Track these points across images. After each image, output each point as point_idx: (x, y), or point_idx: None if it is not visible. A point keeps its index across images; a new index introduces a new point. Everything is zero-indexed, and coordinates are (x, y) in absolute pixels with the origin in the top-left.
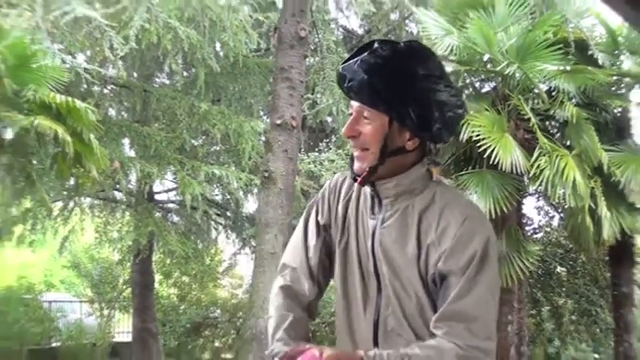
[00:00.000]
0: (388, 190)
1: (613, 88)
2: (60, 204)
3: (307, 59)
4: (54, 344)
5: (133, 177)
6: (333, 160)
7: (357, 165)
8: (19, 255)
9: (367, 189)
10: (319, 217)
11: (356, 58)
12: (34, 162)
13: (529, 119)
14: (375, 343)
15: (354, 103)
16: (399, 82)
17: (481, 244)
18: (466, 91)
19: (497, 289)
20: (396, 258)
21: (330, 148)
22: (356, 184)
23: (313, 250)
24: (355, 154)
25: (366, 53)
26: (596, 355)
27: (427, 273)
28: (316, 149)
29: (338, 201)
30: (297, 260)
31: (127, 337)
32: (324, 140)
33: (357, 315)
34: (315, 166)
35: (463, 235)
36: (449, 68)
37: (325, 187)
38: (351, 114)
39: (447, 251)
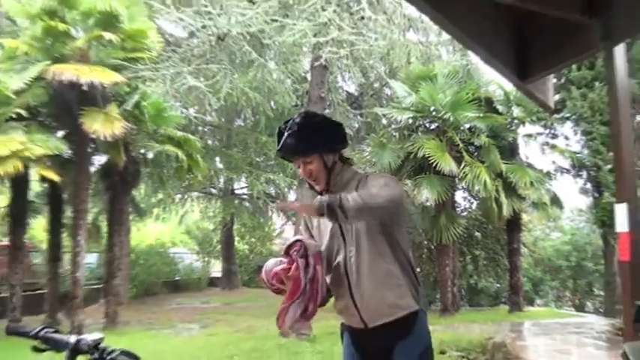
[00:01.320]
0: (337, 188)
1: (508, 126)
2: (179, 196)
3: (325, 110)
4: (176, 278)
5: (222, 180)
6: None
7: (317, 187)
8: (155, 226)
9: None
10: (306, 234)
11: (286, 136)
12: (164, 171)
13: (458, 145)
14: (347, 275)
15: (297, 159)
16: (317, 133)
17: (387, 176)
18: (420, 128)
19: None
20: None
21: None
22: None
23: None
24: (311, 182)
25: (289, 132)
26: (498, 285)
27: None
28: None
29: (312, 219)
30: None
31: (218, 274)
32: None
33: (334, 263)
34: None
35: (375, 178)
36: (410, 114)
37: (306, 216)
38: (298, 166)
39: None
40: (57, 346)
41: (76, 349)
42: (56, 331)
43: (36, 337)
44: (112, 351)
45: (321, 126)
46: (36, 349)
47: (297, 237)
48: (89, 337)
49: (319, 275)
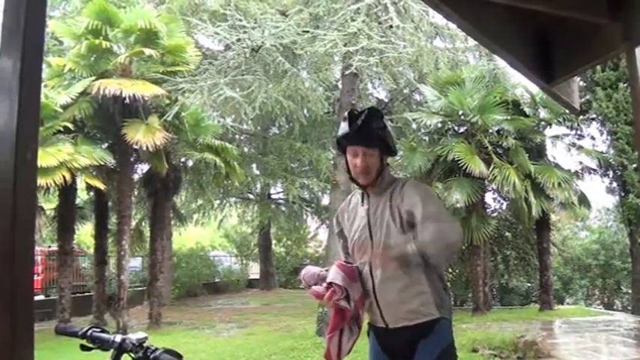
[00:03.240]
0: (374, 190)
1: (535, 128)
2: (218, 201)
3: None
4: (216, 280)
5: (259, 185)
6: None
7: (363, 179)
8: (196, 231)
9: (358, 192)
10: (337, 229)
11: (359, 123)
12: (204, 178)
13: (487, 147)
14: (371, 276)
15: (358, 148)
16: (384, 131)
17: (423, 189)
18: (449, 132)
19: (443, 206)
20: (385, 221)
21: None
22: (352, 202)
23: (342, 247)
24: (361, 175)
25: (365, 120)
26: (529, 284)
27: (402, 220)
28: None
29: (344, 214)
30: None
31: (256, 276)
32: None
33: (360, 261)
34: None
35: (413, 191)
36: (439, 119)
37: (338, 212)
38: (356, 154)
39: (407, 202)
40: (103, 344)
41: (121, 348)
42: (103, 331)
43: (84, 336)
44: (156, 349)
45: (388, 127)
46: (84, 348)
47: (340, 282)
48: (134, 336)
49: (360, 315)
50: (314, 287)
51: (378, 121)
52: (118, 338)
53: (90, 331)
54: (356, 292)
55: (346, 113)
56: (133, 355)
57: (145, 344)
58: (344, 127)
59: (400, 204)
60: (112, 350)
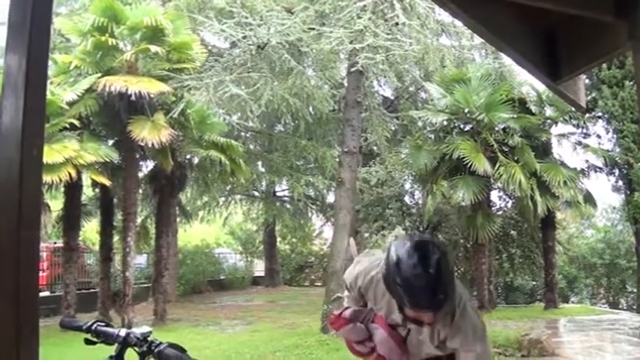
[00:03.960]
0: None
1: (541, 126)
2: (223, 198)
3: (362, 114)
4: (221, 277)
5: (264, 183)
6: (377, 171)
7: (426, 325)
8: (201, 228)
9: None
10: (354, 288)
11: (439, 294)
12: (209, 175)
13: (493, 145)
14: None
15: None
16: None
17: (469, 329)
18: (455, 130)
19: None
20: (422, 339)
21: (375, 165)
22: (380, 288)
23: (352, 299)
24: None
25: (436, 286)
26: (534, 282)
27: (439, 341)
28: (367, 165)
29: (368, 292)
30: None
31: (261, 273)
32: (372, 160)
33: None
34: (367, 174)
35: (458, 330)
36: (444, 117)
37: (361, 285)
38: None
39: (449, 337)
40: (108, 338)
41: (125, 342)
42: (107, 325)
43: (88, 330)
44: (160, 344)
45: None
46: (88, 342)
47: (396, 358)
48: (138, 330)
49: None
50: (357, 347)
51: (448, 278)
52: (123, 332)
53: (94, 325)
54: (404, 358)
55: (415, 274)
56: (137, 349)
57: (149, 338)
58: (418, 303)
59: (441, 330)
60: (116, 344)
